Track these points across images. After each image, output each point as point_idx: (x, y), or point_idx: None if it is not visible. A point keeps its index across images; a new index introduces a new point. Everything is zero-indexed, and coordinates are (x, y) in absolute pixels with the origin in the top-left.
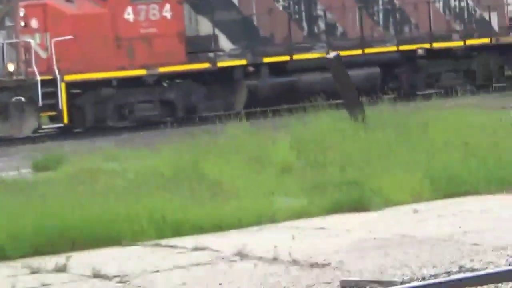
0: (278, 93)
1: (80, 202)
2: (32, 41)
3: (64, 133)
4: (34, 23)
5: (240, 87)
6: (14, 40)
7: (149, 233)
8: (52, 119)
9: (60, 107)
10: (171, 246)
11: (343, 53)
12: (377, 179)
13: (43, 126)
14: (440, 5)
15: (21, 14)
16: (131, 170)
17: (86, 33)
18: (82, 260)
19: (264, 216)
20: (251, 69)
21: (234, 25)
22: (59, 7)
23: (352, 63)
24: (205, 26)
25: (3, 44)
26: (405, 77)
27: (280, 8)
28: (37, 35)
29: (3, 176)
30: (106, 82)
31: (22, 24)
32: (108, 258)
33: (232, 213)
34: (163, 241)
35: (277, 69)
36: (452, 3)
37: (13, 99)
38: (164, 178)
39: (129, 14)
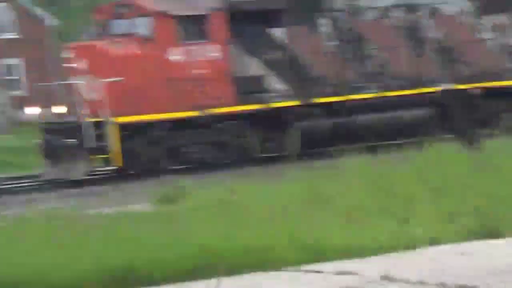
0: (331, 134)
1: (219, 231)
2: (83, 83)
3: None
4: (84, 64)
5: (293, 128)
6: (65, 81)
7: (290, 258)
8: (105, 162)
9: (112, 150)
10: (316, 271)
11: (395, 93)
12: (508, 207)
13: (97, 169)
14: (494, 43)
15: (71, 55)
16: (256, 201)
17: (136, 74)
18: (229, 286)
19: (401, 241)
20: (303, 110)
21: (285, 65)
22: (107, 49)
23: (405, 102)
24: (255, 67)
25: (56, 85)
26: (461, 117)
27: (332, 47)
28: (88, 77)
29: (132, 209)
30: (158, 124)
31: (73, 65)
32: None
33: (368, 238)
34: (306, 267)
35: (329, 109)
36: (505, 41)
37: (64, 142)
38: (294, 205)
39: (178, 55)
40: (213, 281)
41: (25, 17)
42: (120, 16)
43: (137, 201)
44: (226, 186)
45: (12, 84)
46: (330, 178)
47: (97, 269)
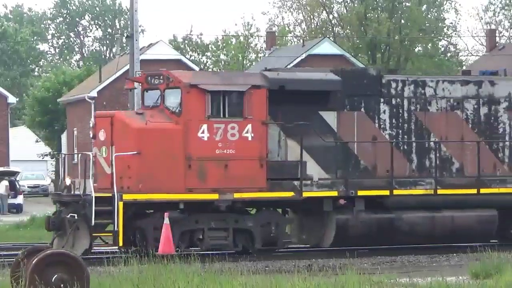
0: (372, 231)
1: None
2: (91, 154)
3: None
4: (101, 135)
5: (329, 221)
6: (72, 153)
7: None
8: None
9: (116, 228)
10: None
11: (455, 191)
12: None
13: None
14: None
15: (91, 124)
16: None
17: (153, 149)
18: None
19: None
20: (342, 201)
21: (328, 152)
22: (125, 120)
23: (465, 203)
24: (292, 151)
25: (64, 156)
26: None
27: (386, 136)
28: (103, 148)
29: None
30: (172, 205)
31: (91, 135)
32: None
33: None
34: None
35: (373, 204)
36: None
37: (68, 216)
38: None
39: (203, 132)
40: None
41: None
42: (152, 87)
43: (453, 273)
44: None
45: None
46: None
47: None
